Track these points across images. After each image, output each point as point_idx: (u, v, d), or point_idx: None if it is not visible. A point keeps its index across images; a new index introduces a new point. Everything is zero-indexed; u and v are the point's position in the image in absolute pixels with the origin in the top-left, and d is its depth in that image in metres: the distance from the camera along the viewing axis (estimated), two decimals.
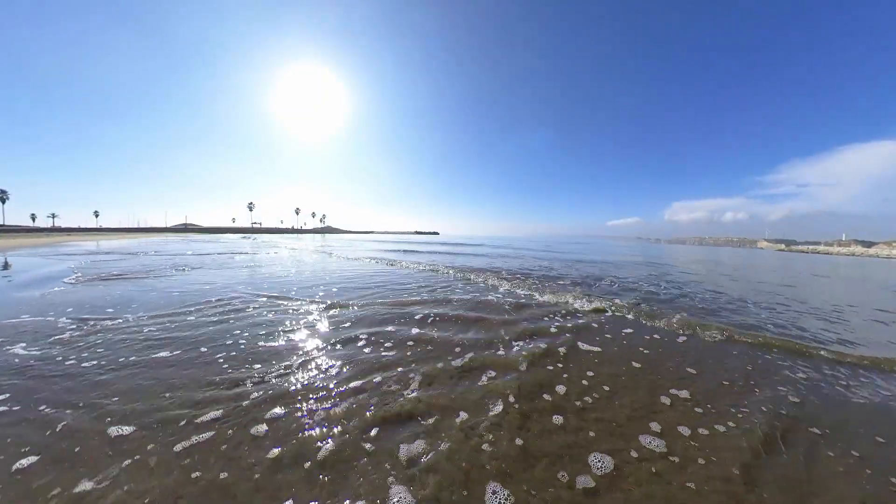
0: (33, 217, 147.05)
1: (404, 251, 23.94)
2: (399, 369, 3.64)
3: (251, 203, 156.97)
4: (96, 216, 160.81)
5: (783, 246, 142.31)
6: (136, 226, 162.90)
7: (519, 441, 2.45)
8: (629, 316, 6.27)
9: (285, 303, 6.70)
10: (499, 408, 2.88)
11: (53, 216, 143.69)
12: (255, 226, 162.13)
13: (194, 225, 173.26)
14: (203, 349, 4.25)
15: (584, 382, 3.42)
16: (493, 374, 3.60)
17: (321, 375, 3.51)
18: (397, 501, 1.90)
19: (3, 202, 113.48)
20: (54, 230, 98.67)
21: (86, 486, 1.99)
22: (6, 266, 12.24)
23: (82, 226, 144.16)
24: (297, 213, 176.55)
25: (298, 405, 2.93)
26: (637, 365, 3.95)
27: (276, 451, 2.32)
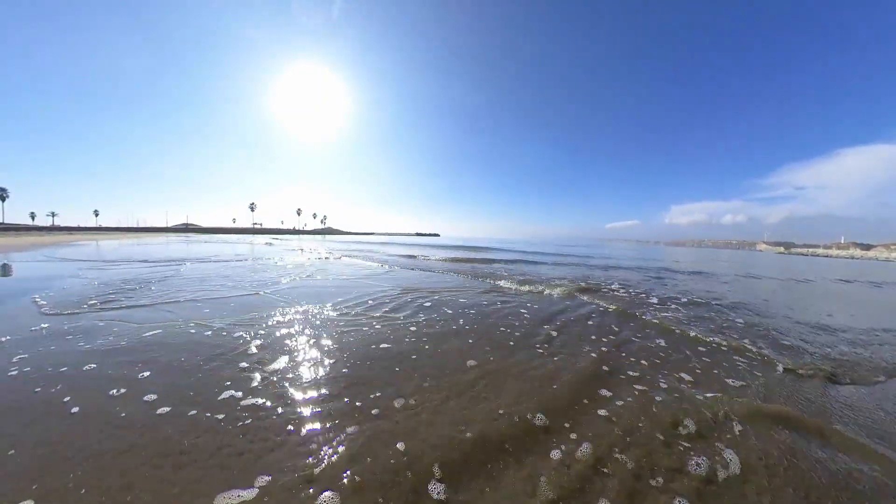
0: (33, 216, 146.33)
1: (443, 259, 18.74)
2: None
3: (253, 203, 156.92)
4: (96, 215, 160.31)
5: (782, 248, 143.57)
6: (135, 225, 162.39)
7: None
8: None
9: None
10: None
11: (53, 215, 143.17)
12: (255, 226, 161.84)
13: (195, 225, 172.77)
14: None
15: None
16: None
17: None
18: None
19: (3, 200, 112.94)
20: (53, 229, 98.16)
21: None
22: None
23: (81, 225, 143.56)
24: (299, 214, 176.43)
25: None
26: None
27: None
